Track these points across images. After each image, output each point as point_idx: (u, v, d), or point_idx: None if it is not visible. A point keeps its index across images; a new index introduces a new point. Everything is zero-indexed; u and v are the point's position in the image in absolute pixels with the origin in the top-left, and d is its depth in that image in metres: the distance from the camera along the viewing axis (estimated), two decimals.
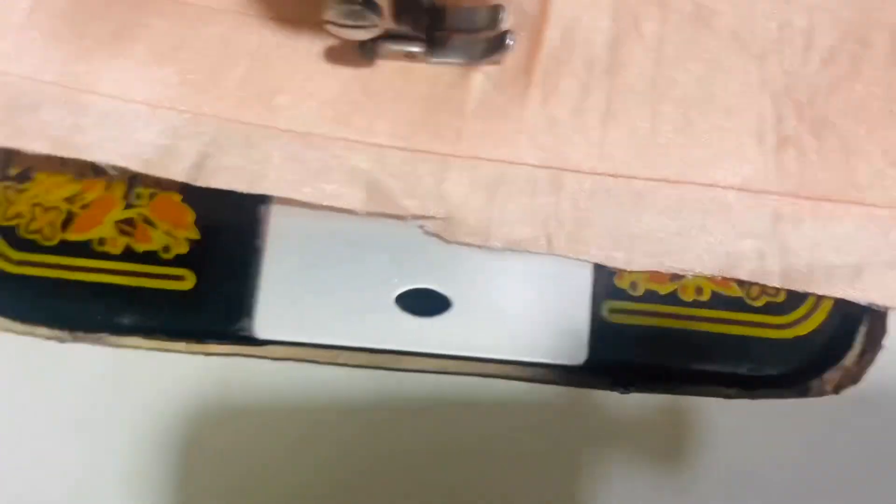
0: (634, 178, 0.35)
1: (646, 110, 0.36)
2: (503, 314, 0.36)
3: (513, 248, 0.35)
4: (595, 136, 0.36)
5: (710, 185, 0.35)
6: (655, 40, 0.37)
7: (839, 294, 0.35)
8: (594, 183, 0.35)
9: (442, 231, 0.35)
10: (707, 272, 0.35)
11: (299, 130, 0.36)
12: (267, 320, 0.35)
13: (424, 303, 0.35)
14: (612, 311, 0.36)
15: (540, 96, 0.36)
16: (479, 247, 0.35)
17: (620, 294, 0.36)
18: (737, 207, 0.35)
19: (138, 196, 0.36)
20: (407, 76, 0.37)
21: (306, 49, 0.37)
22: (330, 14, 0.31)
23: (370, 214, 0.35)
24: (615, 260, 0.35)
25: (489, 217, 0.35)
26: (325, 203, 0.35)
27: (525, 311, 0.36)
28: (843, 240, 0.35)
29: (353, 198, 0.35)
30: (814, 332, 0.36)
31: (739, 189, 0.35)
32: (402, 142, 0.36)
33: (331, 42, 0.37)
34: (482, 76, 0.36)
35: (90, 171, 0.36)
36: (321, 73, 0.36)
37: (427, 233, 0.36)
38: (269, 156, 0.35)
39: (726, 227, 0.35)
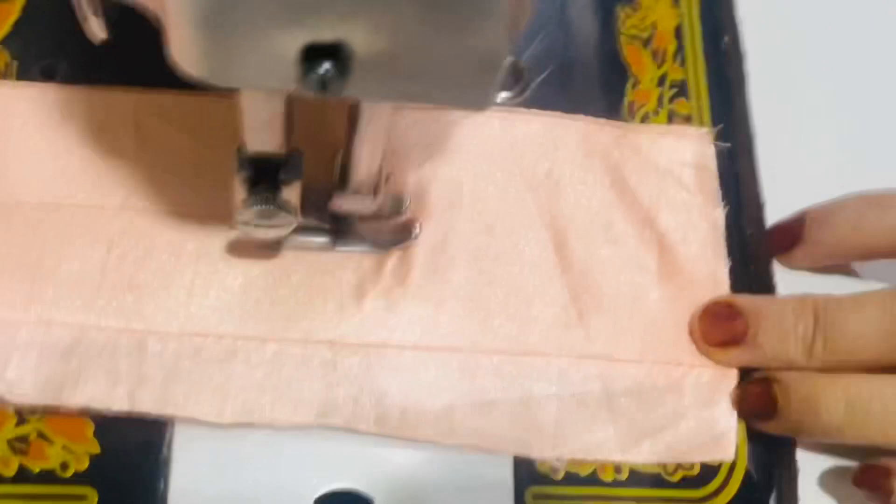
0: (224, 336, 0.36)
1: (235, 269, 0.37)
2: None
3: (92, 406, 0.34)
4: (182, 296, 0.36)
5: (303, 341, 0.36)
6: None
7: (432, 438, 0.35)
8: (181, 343, 0.35)
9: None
10: (302, 421, 0.35)
11: None
12: None
13: None
14: (536, 497, 0.35)
15: (116, 258, 0.37)
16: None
17: (542, 479, 0.35)
18: (327, 356, 0.36)
19: (32, 410, 0.34)
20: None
21: None
22: (242, 216, 0.31)
23: None
24: (207, 414, 0.34)
25: (63, 380, 0.34)
26: None
27: None
28: (431, 383, 0.36)
29: None
30: (730, 503, 0.36)
31: (338, 343, 0.36)
32: None
33: None
34: None
35: None
36: None
37: None
38: None
39: (317, 377, 0.35)
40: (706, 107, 0.42)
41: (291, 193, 0.31)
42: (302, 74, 0.22)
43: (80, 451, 0.34)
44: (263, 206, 0.31)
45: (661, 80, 0.43)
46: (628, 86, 0.42)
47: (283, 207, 0.31)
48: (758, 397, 0.36)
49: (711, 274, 0.39)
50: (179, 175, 0.38)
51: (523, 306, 0.38)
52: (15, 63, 0.39)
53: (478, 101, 0.25)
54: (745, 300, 0.38)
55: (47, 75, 0.39)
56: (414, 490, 0.35)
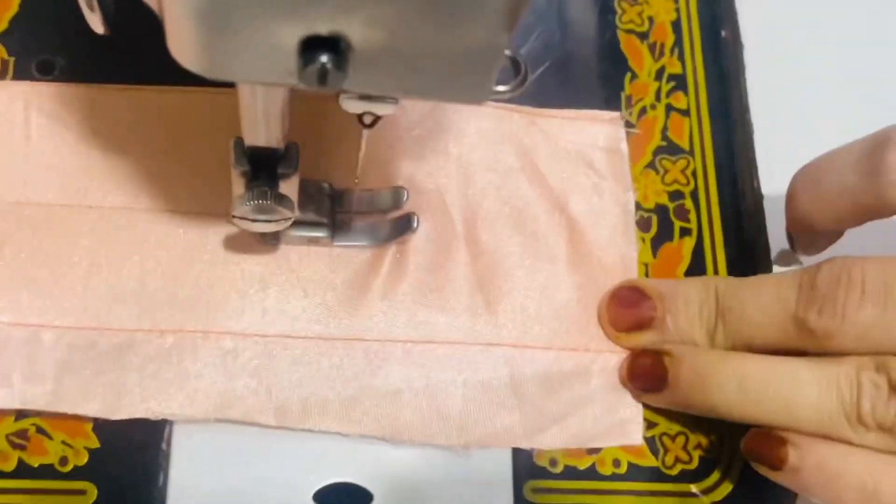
0: (121, 329, 0.35)
1: (132, 261, 0.36)
2: None
3: None
4: (76, 290, 0.36)
5: (203, 332, 0.36)
6: None
7: (334, 429, 0.35)
8: (76, 337, 0.35)
9: None
10: (198, 415, 0.34)
11: None
12: None
13: (344, 498, 0.34)
14: (534, 490, 0.35)
15: (9, 253, 0.36)
16: None
17: (541, 473, 0.36)
18: (227, 346, 0.36)
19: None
20: None
21: None
22: (240, 210, 0.31)
23: None
24: (99, 410, 0.34)
25: None
26: None
27: (449, 500, 0.35)
28: (335, 373, 0.35)
29: None
30: (728, 496, 0.36)
31: (239, 334, 0.36)
32: None
33: None
34: None
35: None
36: None
37: None
38: None
39: (217, 369, 0.35)
40: (704, 100, 0.42)
41: (289, 187, 0.31)
42: (300, 68, 0.22)
43: (80, 447, 0.34)
44: (261, 201, 0.31)
45: (659, 74, 0.43)
46: (626, 79, 0.42)
47: (281, 202, 0.31)
48: (647, 369, 0.36)
49: (621, 259, 0.39)
50: (73, 169, 0.38)
51: (431, 294, 0.37)
52: (12, 59, 0.39)
53: (475, 95, 0.25)
54: (652, 283, 0.38)
55: (44, 71, 0.39)
56: (413, 483, 0.35)
